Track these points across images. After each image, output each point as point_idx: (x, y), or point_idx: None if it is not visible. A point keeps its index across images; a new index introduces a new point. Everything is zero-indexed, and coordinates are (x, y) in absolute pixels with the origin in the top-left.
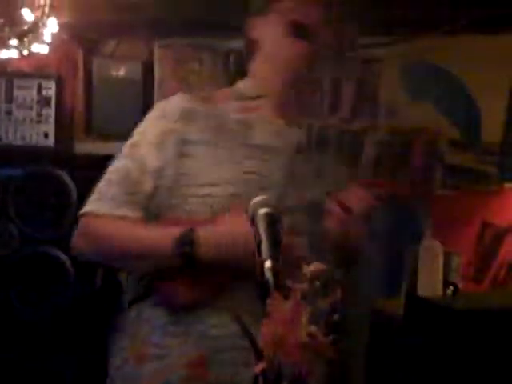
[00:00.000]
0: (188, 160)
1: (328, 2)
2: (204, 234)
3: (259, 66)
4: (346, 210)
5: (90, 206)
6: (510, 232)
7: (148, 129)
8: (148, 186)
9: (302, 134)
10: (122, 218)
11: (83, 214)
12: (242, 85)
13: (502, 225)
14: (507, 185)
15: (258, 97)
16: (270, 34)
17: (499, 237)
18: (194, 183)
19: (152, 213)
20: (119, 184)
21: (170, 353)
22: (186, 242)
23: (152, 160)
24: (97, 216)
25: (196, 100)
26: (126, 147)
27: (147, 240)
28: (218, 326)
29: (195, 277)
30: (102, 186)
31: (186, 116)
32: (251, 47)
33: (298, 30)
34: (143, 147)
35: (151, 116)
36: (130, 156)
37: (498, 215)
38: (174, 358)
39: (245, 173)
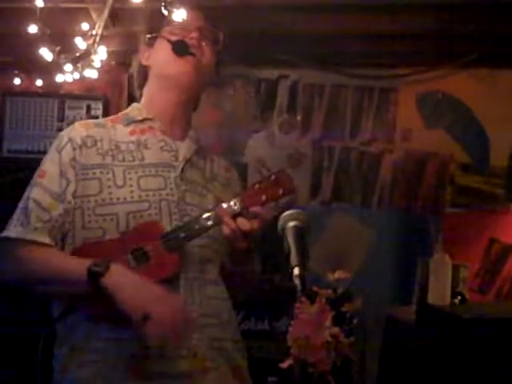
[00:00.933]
0: (90, 183)
1: (207, 28)
2: (120, 269)
3: (149, 89)
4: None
5: (4, 233)
6: None
7: (53, 158)
8: (56, 211)
9: (189, 146)
10: (34, 243)
11: (1, 238)
12: (132, 109)
13: (508, 242)
14: None
15: (146, 119)
16: (157, 58)
17: (505, 253)
18: (98, 204)
19: (69, 232)
20: (30, 211)
21: (107, 357)
22: (100, 265)
23: (58, 187)
24: (10, 240)
25: (92, 127)
26: (36, 176)
27: (61, 267)
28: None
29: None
30: (16, 213)
31: (84, 143)
32: (143, 74)
33: (179, 48)
34: (49, 176)
35: (54, 145)
36: (39, 184)
37: (505, 233)
38: (110, 361)
39: (142, 190)
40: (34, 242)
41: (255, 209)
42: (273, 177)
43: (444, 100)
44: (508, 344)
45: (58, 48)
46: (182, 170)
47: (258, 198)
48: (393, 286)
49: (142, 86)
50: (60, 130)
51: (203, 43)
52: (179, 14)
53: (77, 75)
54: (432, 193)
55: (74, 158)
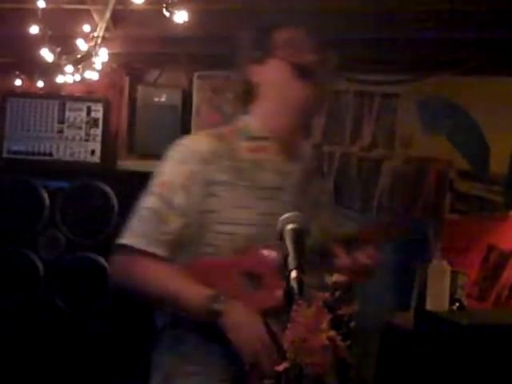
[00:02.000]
0: (213, 199)
1: (323, 45)
2: (236, 304)
3: (262, 107)
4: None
5: (125, 240)
6: None
7: (175, 169)
8: (176, 225)
9: (299, 169)
10: (151, 254)
11: (119, 246)
12: (247, 124)
13: (506, 249)
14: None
15: (265, 137)
16: (272, 78)
17: (503, 260)
18: (218, 221)
19: (184, 245)
20: (150, 222)
21: (212, 369)
22: (218, 301)
23: (180, 200)
24: (132, 251)
25: (214, 141)
26: (156, 186)
27: (178, 292)
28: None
29: None
30: (135, 221)
31: (208, 157)
32: (252, 90)
33: (302, 72)
34: (172, 188)
35: (176, 156)
36: (160, 196)
37: (503, 240)
38: (216, 377)
39: (258, 214)
40: (153, 255)
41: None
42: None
43: (444, 106)
44: (506, 351)
45: (58, 49)
46: (295, 193)
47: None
48: (392, 291)
49: (248, 102)
50: (60, 131)
51: (321, 68)
52: (181, 16)
53: (78, 77)
54: (431, 199)
55: (198, 172)
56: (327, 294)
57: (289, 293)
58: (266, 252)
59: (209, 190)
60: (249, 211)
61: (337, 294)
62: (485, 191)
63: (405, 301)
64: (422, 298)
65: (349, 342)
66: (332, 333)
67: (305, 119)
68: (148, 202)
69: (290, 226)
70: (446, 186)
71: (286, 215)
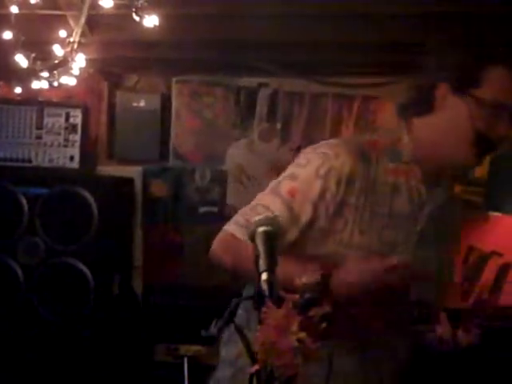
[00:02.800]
0: (338, 220)
1: None
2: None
3: (428, 131)
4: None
5: (232, 227)
6: (494, 256)
7: (311, 181)
8: (292, 236)
9: (438, 196)
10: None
11: (226, 230)
12: (399, 142)
13: (486, 249)
14: (492, 213)
15: (412, 162)
16: (453, 110)
17: (483, 260)
18: (337, 240)
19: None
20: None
21: None
22: (305, 291)
23: (306, 215)
24: (235, 237)
25: (357, 160)
26: (286, 191)
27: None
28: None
29: None
30: (250, 212)
31: (348, 180)
32: (427, 103)
33: (482, 142)
34: (301, 199)
35: (316, 167)
36: (287, 203)
37: (483, 240)
38: None
39: (381, 243)
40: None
41: None
42: None
43: None
44: (488, 352)
45: (33, 54)
46: (424, 224)
47: None
48: None
49: (417, 113)
50: (39, 137)
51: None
52: (151, 20)
53: (56, 83)
54: None
55: (331, 191)
56: (297, 296)
57: (259, 294)
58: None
59: (338, 211)
60: (369, 237)
61: (307, 295)
62: (465, 192)
63: None
64: None
65: (319, 344)
66: (302, 334)
67: (457, 167)
68: (271, 201)
69: (261, 229)
70: None
71: (259, 217)
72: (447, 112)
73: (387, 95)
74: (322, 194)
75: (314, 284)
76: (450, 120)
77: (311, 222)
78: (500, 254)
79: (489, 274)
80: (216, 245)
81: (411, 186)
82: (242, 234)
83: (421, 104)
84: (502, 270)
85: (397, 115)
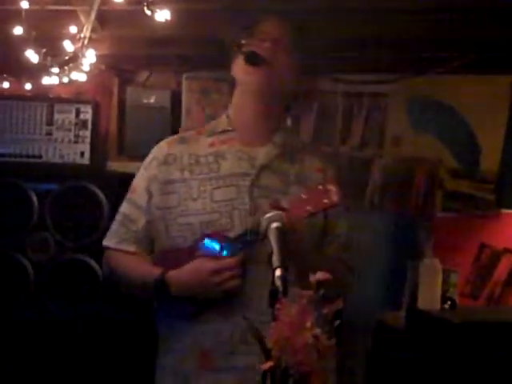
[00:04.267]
0: (170, 196)
1: (287, 39)
2: (172, 278)
3: (233, 100)
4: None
5: (104, 241)
6: (506, 253)
7: (140, 175)
8: (141, 222)
9: (268, 152)
10: (123, 251)
11: (103, 247)
12: (216, 122)
13: (498, 246)
14: (503, 210)
15: (227, 130)
16: (235, 69)
17: (495, 258)
18: (177, 215)
19: (156, 239)
20: (121, 224)
21: (184, 348)
22: (160, 286)
23: (142, 201)
24: (108, 248)
25: (174, 144)
26: (129, 192)
27: (141, 278)
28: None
29: None
30: (113, 225)
31: (166, 160)
32: (233, 85)
33: (250, 58)
34: (137, 191)
35: (144, 163)
36: (129, 200)
37: (495, 237)
38: (186, 352)
39: (214, 202)
40: (124, 251)
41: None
42: (320, 187)
43: (433, 105)
44: (498, 349)
45: (44, 50)
46: (258, 176)
47: (303, 208)
48: (383, 290)
49: (231, 95)
50: (49, 133)
51: (279, 52)
52: (163, 15)
53: (65, 78)
54: (422, 197)
55: (156, 175)
56: (311, 292)
57: (273, 291)
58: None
59: (167, 189)
60: (203, 201)
61: (321, 291)
62: (476, 189)
63: (396, 300)
64: (413, 297)
65: (334, 341)
66: (317, 331)
67: (263, 104)
68: (122, 207)
69: (274, 225)
70: (435, 184)
71: (271, 213)
72: (237, 74)
73: (396, 91)
74: (149, 179)
75: (329, 280)
76: (236, 77)
77: (150, 205)
78: None
79: (501, 271)
80: (103, 266)
81: (235, 149)
82: (109, 242)
83: (231, 90)
84: None
85: None
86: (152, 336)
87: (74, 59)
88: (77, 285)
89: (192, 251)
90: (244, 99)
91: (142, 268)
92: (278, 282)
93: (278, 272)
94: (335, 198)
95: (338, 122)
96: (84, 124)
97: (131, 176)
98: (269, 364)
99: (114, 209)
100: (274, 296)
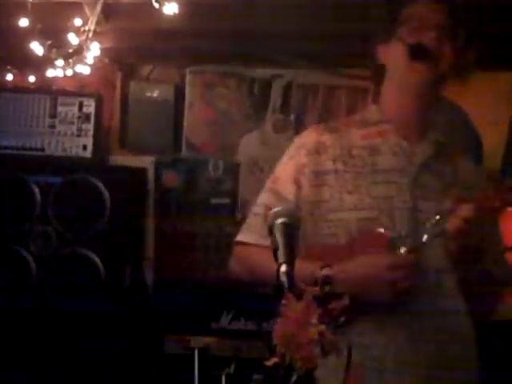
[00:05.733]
0: (322, 189)
1: (448, 25)
2: (339, 272)
3: (386, 91)
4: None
5: (240, 236)
6: (507, 251)
7: (285, 164)
8: None
9: (425, 149)
10: (267, 247)
11: (236, 243)
12: (366, 111)
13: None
14: (508, 208)
15: (381, 121)
16: (393, 59)
17: None
18: (329, 209)
19: (300, 238)
20: (263, 217)
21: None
22: (326, 283)
23: (290, 193)
24: (246, 245)
25: (324, 132)
26: (270, 182)
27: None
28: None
29: None
30: (250, 218)
31: (317, 149)
32: (379, 73)
33: (419, 53)
34: (282, 182)
35: (289, 152)
36: (272, 190)
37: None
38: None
39: (372, 198)
40: (267, 247)
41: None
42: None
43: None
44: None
45: (48, 42)
46: (417, 175)
47: (490, 203)
48: None
49: (378, 84)
50: (52, 126)
51: (442, 43)
52: (171, 8)
53: (69, 71)
54: None
55: (305, 165)
56: (317, 288)
57: (278, 287)
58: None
59: (318, 181)
60: (359, 196)
61: (326, 288)
62: None
63: None
64: None
65: (339, 337)
66: (322, 327)
67: (423, 99)
68: (262, 198)
69: (280, 220)
70: None
71: (277, 208)
72: (389, 62)
73: None
74: (297, 170)
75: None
76: (392, 64)
77: (299, 198)
78: None
79: None
80: (231, 263)
81: (391, 143)
82: (249, 238)
83: (376, 77)
84: None
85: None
86: (152, 331)
87: (79, 52)
88: (77, 278)
89: (352, 249)
90: (400, 92)
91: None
92: (284, 278)
93: (283, 268)
94: None
95: (342, 118)
96: (87, 117)
97: (133, 170)
98: (273, 360)
99: (116, 202)
100: (279, 292)
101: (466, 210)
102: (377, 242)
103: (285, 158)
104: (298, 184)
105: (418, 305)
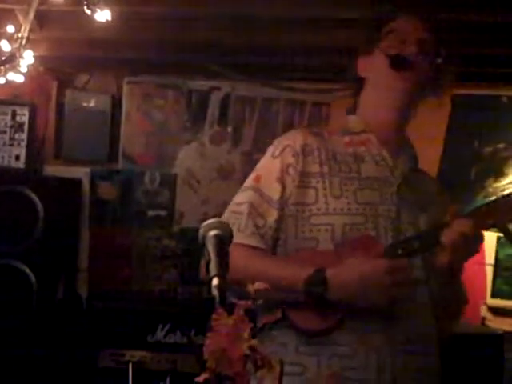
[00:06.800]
0: (308, 191)
1: (429, 40)
2: (334, 276)
3: (365, 103)
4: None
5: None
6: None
7: (270, 163)
8: (272, 217)
9: (405, 163)
10: (250, 247)
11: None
12: (347, 121)
13: None
14: None
15: (364, 131)
16: (374, 71)
17: None
18: (314, 212)
19: (281, 239)
20: (247, 216)
21: (306, 370)
22: (317, 284)
23: (275, 193)
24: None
25: (309, 136)
26: (251, 180)
27: (278, 276)
28: (346, 345)
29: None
30: (230, 216)
31: (303, 150)
32: (359, 84)
33: (400, 63)
34: (266, 181)
35: (272, 151)
36: (256, 190)
37: None
38: (311, 374)
39: (359, 203)
40: (250, 247)
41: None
42: (505, 200)
43: None
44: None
45: None
46: (399, 186)
47: (484, 221)
48: None
49: (356, 95)
50: None
51: (422, 57)
52: (103, 15)
53: (1, 79)
54: None
55: (291, 165)
56: (249, 302)
57: (209, 301)
58: (366, 239)
59: (304, 182)
60: (346, 200)
61: (259, 301)
62: None
63: None
64: None
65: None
66: (253, 342)
67: (401, 112)
68: (243, 196)
69: (212, 232)
70: None
71: (210, 220)
72: (370, 74)
73: (339, 101)
74: (283, 170)
75: (267, 291)
76: (373, 77)
77: (284, 198)
78: None
79: None
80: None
81: (374, 153)
82: (238, 239)
83: (356, 88)
84: None
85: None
86: (86, 345)
87: (11, 60)
88: (9, 291)
89: (339, 255)
90: (380, 104)
91: (280, 265)
92: (215, 292)
93: (215, 281)
94: None
95: (279, 130)
96: (20, 126)
97: (68, 180)
98: (204, 376)
99: (50, 214)
100: (210, 306)
101: (463, 225)
102: (369, 247)
103: (268, 157)
104: (282, 184)
105: (396, 313)
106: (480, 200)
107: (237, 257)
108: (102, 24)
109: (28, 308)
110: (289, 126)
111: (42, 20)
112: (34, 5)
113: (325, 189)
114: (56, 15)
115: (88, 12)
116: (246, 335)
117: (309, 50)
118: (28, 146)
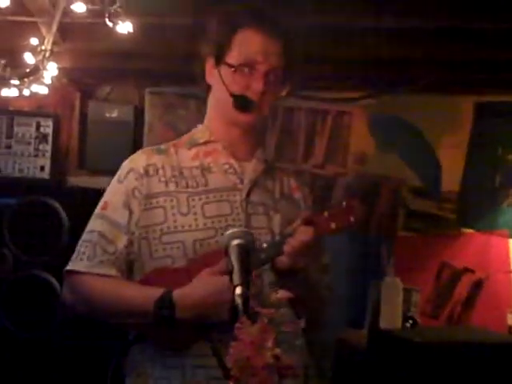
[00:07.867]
0: (156, 211)
1: (278, 53)
2: (181, 296)
3: (210, 110)
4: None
5: (71, 265)
6: (466, 272)
7: (115, 189)
8: (122, 243)
9: (255, 167)
10: (100, 275)
11: (67, 272)
12: (193, 132)
13: (459, 266)
14: (464, 230)
15: (210, 141)
16: (217, 87)
17: (456, 277)
18: (163, 232)
19: (138, 262)
20: (96, 244)
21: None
22: (164, 306)
23: (122, 218)
24: (78, 273)
25: (153, 155)
26: (99, 208)
27: (129, 301)
28: (208, 355)
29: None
30: (81, 245)
31: (147, 171)
32: (207, 91)
33: (240, 104)
34: (112, 208)
35: (118, 176)
36: (103, 217)
37: (456, 257)
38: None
39: (206, 217)
40: (101, 275)
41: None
42: (343, 204)
43: (396, 124)
44: (458, 368)
45: (3, 61)
46: (248, 192)
47: (326, 226)
48: (346, 309)
49: (206, 101)
50: (8, 147)
51: (268, 91)
52: (125, 27)
53: (26, 91)
54: (384, 216)
55: (136, 188)
56: (272, 311)
57: (234, 309)
58: (217, 252)
59: (151, 204)
60: (193, 217)
61: (282, 310)
62: (437, 208)
63: (359, 318)
64: (375, 315)
65: (295, 360)
66: (277, 350)
67: (249, 131)
68: (93, 225)
69: (235, 242)
70: (398, 203)
71: (233, 230)
72: (214, 86)
73: (361, 110)
74: (128, 194)
75: (290, 299)
76: (216, 92)
77: (131, 222)
78: (472, 271)
79: (462, 290)
80: (64, 292)
81: (221, 163)
82: (80, 266)
83: (202, 88)
84: (475, 287)
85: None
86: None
87: (35, 72)
88: (35, 301)
89: (190, 272)
90: (223, 119)
91: (131, 290)
92: (239, 300)
93: (238, 290)
94: (358, 215)
95: (301, 139)
96: (44, 137)
97: (91, 191)
98: None
99: (74, 224)
100: (234, 315)
101: (304, 234)
102: (219, 262)
103: (114, 183)
104: (129, 208)
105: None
106: (504, 208)
107: (92, 286)
108: (124, 36)
109: (54, 318)
110: (311, 135)
111: (65, 32)
112: (57, 17)
113: (172, 207)
114: (78, 28)
115: (110, 24)
116: (269, 344)
117: (329, 60)
118: (52, 157)
